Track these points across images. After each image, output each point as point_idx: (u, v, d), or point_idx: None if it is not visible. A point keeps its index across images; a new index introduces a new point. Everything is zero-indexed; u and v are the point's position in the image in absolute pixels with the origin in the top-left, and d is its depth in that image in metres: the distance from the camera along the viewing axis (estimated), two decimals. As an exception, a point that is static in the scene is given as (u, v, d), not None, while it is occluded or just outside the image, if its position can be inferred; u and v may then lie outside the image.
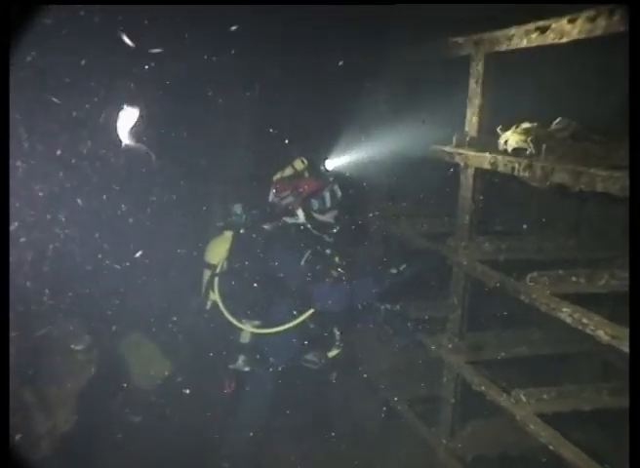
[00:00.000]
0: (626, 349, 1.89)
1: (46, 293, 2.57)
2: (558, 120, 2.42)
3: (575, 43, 2.15)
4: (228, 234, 2.96)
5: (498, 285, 2.57)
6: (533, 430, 2.36)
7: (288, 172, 2.89)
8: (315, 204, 2.82)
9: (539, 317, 2.57)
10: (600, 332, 2.03)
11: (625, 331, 1.93)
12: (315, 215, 2.83)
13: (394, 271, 2.62)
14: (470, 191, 2.73)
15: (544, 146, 2.27)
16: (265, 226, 2.86)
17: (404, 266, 2.63)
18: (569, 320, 2.18)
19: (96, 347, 2.75)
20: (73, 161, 2.93)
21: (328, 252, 2.75)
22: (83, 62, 2.72)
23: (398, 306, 2.94)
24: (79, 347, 2.59)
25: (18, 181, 2.34)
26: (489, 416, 2.99)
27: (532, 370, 3.21)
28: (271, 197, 2.94)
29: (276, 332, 2.72)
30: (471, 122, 2.75)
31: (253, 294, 2.74)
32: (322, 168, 2.93)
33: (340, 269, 2.71)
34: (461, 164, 2.75)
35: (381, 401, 3.45)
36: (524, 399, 2.49)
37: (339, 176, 2.98)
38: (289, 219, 2.86)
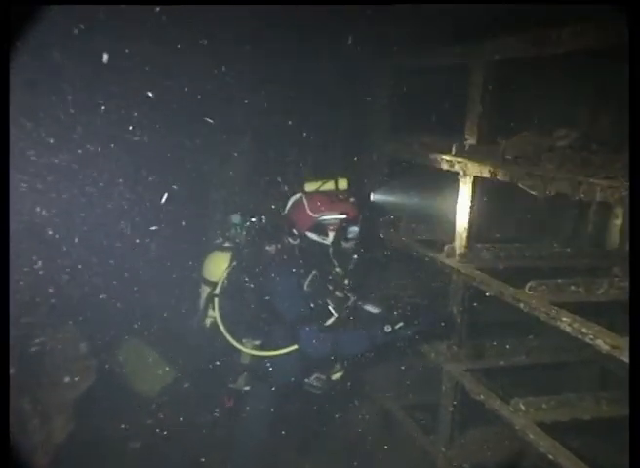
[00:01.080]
0: (626, 359, 1.90)
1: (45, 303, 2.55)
2: (558, 129, 2.43)
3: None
4: (228, 249, 2.83)
5: (496, 293, 2.57)
6: (532, 439, 2.35)
7: (327, 187, 2.70)
8: (352, 232, 2.67)
9: (537, 325, 2.57)
10: (599, 342, 2.03)
11: (625, 341, 1.93)
12: (342, 242, 2.67)
13: (388, 329, 2.48)
14: (469, 199, 2.74)
15: (544, 155, 2.28)
16: (268, 247, 2.74)
17: (400, 324, 2.48)
18: (568, 329, 2.17)
19: (94, 356, 2.73)
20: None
21: (336, 270, 2.65)
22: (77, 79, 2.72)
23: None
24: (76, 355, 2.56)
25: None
26: (488, 425, 2.97)
27: (531, 377, 3.21)
28: (300, 208, 2.69)
29: (276, 355, 2.62)
30: (471, 130, 2.76)
31: (254, 315, 2.64)
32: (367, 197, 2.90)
33: (345, 291, 2.64)
34: (461, 172, 2.76)
35: (382, 409, 3.44)
36: (523, 408, 2.48)
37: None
38: (313, 236, 2.67)
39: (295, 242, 2.69)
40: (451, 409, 2.93)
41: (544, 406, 2.52)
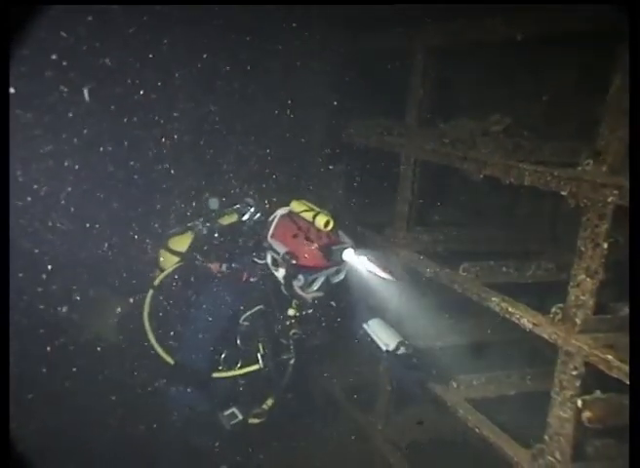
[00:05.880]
0: (545, 335, 2.00)
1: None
2: (493, 115, 2.49)
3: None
4: (186, 240, 2.56)
5: (433, 275, 2.63)
6: (461, 415, 2.44)
7: (306, 216, 2.26)
8: (301, 280, 2.25)
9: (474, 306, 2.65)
10: (524, 321, 2.12)
11: (546, 319, 2.03)
12: (295, 287, 2.28)
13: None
14: (410, 182, 2.77)
15: (478, 140, 2.34)
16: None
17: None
18: (497, 309, 2.26)
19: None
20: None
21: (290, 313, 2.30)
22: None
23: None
24: None
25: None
26: (423, 403, 3.06)
27: (467, 356, 3.32)
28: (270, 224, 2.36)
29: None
30: (412, 113, 2.79)
31: (183, 327, 2.39)
32: (338, 251, 2.23)
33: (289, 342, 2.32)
34: (402, 154, 2.79)
35: (320, 389, 3.48)
36: (455, 385, 2.57)
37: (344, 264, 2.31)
38: (269, 262, 2.33)
39: (261, 261, 2.35)
40: (389, 388, 3.01)
41: (475, 383, 2.62)
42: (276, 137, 3.69)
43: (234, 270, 2.39)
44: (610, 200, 1.74)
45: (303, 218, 2.26)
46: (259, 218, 2.53)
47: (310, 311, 2.30)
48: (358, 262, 2.24)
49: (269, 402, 2.43)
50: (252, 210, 2.56)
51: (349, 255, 2.23)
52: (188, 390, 2.28)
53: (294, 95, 3.65)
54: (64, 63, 2.76)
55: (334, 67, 3.53)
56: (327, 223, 2.19)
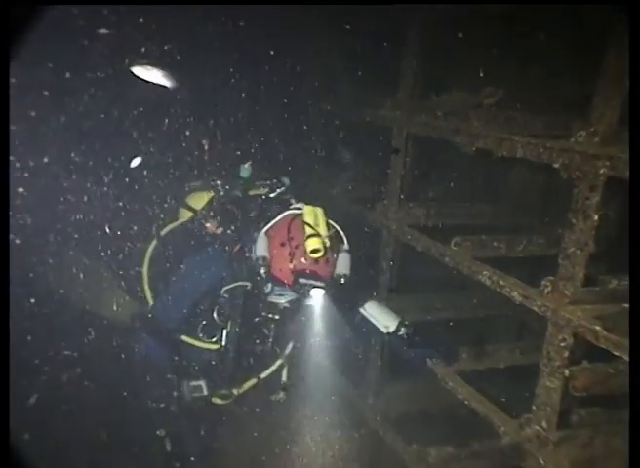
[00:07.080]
0: (535, 308, 2.01)
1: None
2: (486, 88, 2.46)
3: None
4: (203, 198, 2.51)
5: (424, 249, 2.63)
6: (451, 387, 2.47)
7: (306, 230, 2.05)
8: (269, 287, 2.17)
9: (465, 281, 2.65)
10: (515, 294, 2.14)
11: (536, 292, 2.04)
12: (266, 290, 2.19)
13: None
14: (402, 156, 2.75)
15: (471, 112, 2.32)
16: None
17: None
18: (488, 282, 2.27)
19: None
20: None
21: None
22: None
23: None
24: None
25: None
26: (414, 376, 3.10)
27: (458, 331, 3.36)
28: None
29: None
30: (405, 86, 2.75)
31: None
32: (305, 285, 2.10)
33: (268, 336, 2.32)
34: (394, 128, 2.76)
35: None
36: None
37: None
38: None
39: None
40: (379, 362, 3.04)
41: (465, 356, 2.65)
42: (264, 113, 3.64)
43: (228, 236, 2.33)
44: (601, 171, 1.74)
45: (303, 230, 2.06)
46: (286, 200, 2.43)
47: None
48: (322, 304, 2.16)
49: (244, 387, 2.41)
50: (282, 189, 2.47)
51: (316, 294, 2.11)
52: (156, 343, 2.24)
53: (281, 68, 3.59)
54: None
55: (324, 40, 3.46)
56: (315, 251, 1.99)
